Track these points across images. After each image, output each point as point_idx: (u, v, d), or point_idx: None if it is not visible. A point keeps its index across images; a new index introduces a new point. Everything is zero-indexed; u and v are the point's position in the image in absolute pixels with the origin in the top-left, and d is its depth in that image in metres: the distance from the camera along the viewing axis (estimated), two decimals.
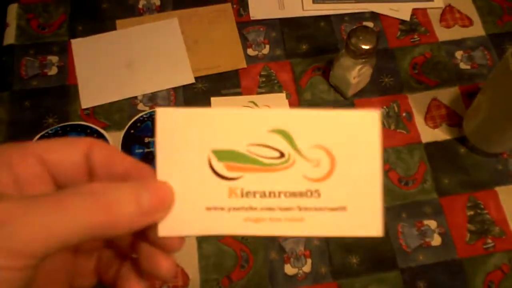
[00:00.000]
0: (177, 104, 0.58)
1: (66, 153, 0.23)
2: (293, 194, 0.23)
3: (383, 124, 0.57)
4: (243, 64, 0.60)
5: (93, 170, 0.24)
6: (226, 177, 0.23)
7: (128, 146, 0.55)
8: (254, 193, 0.23)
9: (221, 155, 0.23)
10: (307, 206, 0.23)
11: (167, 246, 0.23)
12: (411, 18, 0.64)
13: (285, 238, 0.51)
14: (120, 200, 0.21)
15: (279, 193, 0.23)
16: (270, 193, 0.23)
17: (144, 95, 0.58)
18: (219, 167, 0.23)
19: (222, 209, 0.23)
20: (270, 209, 0.23)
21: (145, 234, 0.23)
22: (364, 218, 0.23)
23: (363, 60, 0.52)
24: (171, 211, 0.23)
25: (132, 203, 0.21)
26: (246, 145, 0.23)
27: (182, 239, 0.23)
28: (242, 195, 0.23)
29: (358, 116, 0.23)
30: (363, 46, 0.50)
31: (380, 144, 0.23)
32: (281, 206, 0.23)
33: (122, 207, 0.21)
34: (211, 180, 0.23)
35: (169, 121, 0.23)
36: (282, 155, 0.23)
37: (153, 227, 0.23)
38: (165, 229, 0.23)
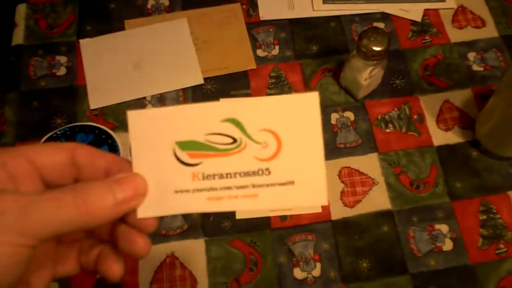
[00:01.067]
0: None
1: (52, 155, 0.27)
2: (247, 174, 0.27)
3: (394, 126, 0.56)
4: (253, 65, 0.59)
5: (80, 169, 0.27)
6: (189, 164, 0.27)
7: None
8: (214, 176, 0.27)
9: (183, 145, 0.27)
10: (260, 183, 0.27)
11: (143, 227, 0.27)
12: (422, 19, 0.63)
13: (294, 242, 0.50)
14: (94, 196, 0.25)
15: (235, 173, 0.27)
16: (227, 174, 0.27)
17: (152, 96, 0.58)
18: (183, 155, 0.27)
19: (187, 191, 0.27)
20: (228, 188, 0.27)
21: (124, 217, 0.27)
22: (311, 190, 0.26)
23: (375, 61, 0.51)
24: (147, 196, 0.27)
25: (105, 197, 0.25)
26: (204, 135, 0.27)
27: (156, 219, 0.27)
28: (203, 178, 0.27)
29: (298, 98, 0.26)
30: (375, 48, 0.49)
31: (320, 122, 0.26)
32: (237, 185, 0.27)
33: (98, 202, 0.25)
34: (176, 168, 0.27)
35: (139, 122, 0.27)
36: (234, 140, 0.27)
37: (131, 212, 0.27)
38: (142, 212, 0.27)
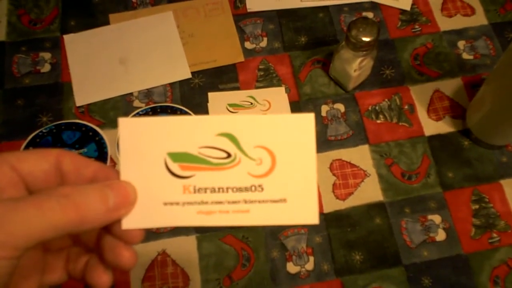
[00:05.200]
0: (174, 100, 0.56)
1: (36, 163, 0.26)
2: (240, 189, 0.26)
3: (385, 117, 0.55)
4: (241, 58, 0.59)
5: (65, 176, 0.27)
6: (180, 176, 0.26)
7: None
8: (205, 189, 0.26)
9: (176, 157, 0.26)
10: (252, 199, 0.26)
11: (128, 238, 0.26)
12: (411, 8, 0.62)
13: (287, 236, 0.50)
14: (87, 200, 0.24)
15: (227, 188, 0.26)
16: (219, 188, 0.26)
17: (139, 92, 0.56)
18: (174, 167, 0.26)
19: (177, 204, 0.26)
20: (219, 202, 0.26)
21: (109, 228, 0.26)
22: (302, 208, 0.26)
23: (364, 52, 0.50)
24: (134, 207, 0.26)
25: (98, 202, 0.24)
26: (197, 147, 0.26)
27: (142, 231, 0.26)
28: (194, 191, 0.26)
29: (294, 118, 0.27)
30: (364, 39, 0.49)
31: (314, 143, 0.26)
32: (229, 200, 0.26)
33: (89, 206, 0.24)
34: (167, 179, 0.26)
35: (130, 129, 0.26)
36: (229, 155, 0.26)
37: (117, 221, 0.26)
38: (128, 223, 0.26)
